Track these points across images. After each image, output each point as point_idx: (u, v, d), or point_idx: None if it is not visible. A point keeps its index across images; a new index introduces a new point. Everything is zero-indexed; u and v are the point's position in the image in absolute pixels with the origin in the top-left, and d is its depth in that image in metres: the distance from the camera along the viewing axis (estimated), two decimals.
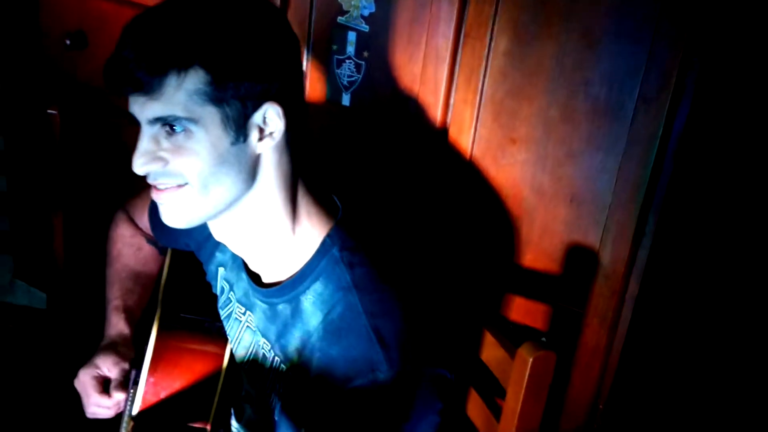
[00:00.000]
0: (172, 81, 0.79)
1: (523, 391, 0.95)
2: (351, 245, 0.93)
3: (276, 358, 0.98)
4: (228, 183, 0.86)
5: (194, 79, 0.80)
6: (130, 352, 1.15)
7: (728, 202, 1.25)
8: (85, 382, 1.10)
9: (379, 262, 0.94)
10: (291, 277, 0.94)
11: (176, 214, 0.88)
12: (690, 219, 1.24)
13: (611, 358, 1.22)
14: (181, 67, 0.79)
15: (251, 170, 0.87)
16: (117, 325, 1.17)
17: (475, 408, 1.12)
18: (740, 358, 1.33)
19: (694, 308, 1.31)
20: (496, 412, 1.05)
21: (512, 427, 0.97)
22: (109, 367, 1.11)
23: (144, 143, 0.84)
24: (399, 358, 0.86)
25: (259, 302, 1.00)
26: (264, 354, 1.00)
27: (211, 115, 0.82)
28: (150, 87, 0.79)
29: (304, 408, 0.93)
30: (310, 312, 0.92)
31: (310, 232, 0.93)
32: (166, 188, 0.86)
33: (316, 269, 0.92)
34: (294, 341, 0.94)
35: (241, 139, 0.84)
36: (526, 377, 0.94)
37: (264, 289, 0.98)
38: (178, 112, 0.80)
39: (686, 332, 1.32)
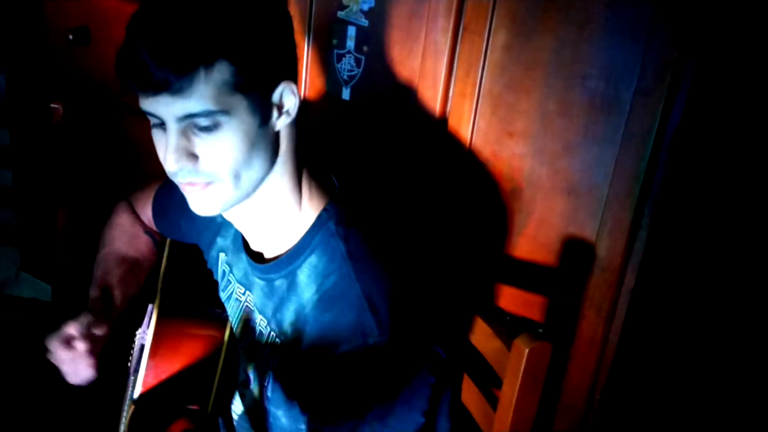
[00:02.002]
0: (200, 77, 0.80)
1: (519, 381, 0.96)
2: (346, 218, 0.96)
3: (272, 333, 1.00)
4: (257, 166, 0.89)
5: (221, 72, 0.81)
6: (93, 309, 1.12)
7: (724, 195, 1.26)
8: (53, 349, 1.06)
9: (374, 235, 0.96)
10: (287, 251, 0.97)
11: (207, 205, 0.90)
12: (686, 212, 1.25)
13: (607, 349, 1.23)
14: (208, 63, 0.80)
15: (274, 149, 0.91)
16: (91, 302, 1.16)
17: (472, 397, 1.13)
18: (736, 350, 1.34)
19: (690, 300, 1.32)
20: (492, 401, 1.06)
21: (508, 416, 0.99)
22: (70, 325, 1.07)
23: (175, 139, 0.84)
24: (390, 324, 0.88)
25: (257, 280, 1.02)
26: (261, 331, 1.02)
27: (240, 103, 0.84)
28: (179, 87, 0.80)
29: (297, 378, 0.94)
30: (305, 285, 0.94)
31: (309, 206, 0.96)
32: (196, 185, 0.88)
33: (312, 242, 0.94)
34: (289, 315, 0.96)
35: (266, 119, 0.88)
36: (522, 368, 0.95)
37: (262, 265, 1.00)
38: (211, 106, 0.82)
39: (682, 324, 1.33)
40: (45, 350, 1.09)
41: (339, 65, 1.37)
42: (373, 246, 0.95)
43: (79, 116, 1.60)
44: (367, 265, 0.92)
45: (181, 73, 0.79)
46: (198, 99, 0.81)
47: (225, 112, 0.83)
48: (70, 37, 1.67)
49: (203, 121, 0.83)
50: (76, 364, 1.07)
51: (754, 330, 1.31)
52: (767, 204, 1.25)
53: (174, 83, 0.79)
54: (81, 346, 1.06)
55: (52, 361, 1.09)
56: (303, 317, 0.94)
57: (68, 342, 1.07)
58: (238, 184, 0.88)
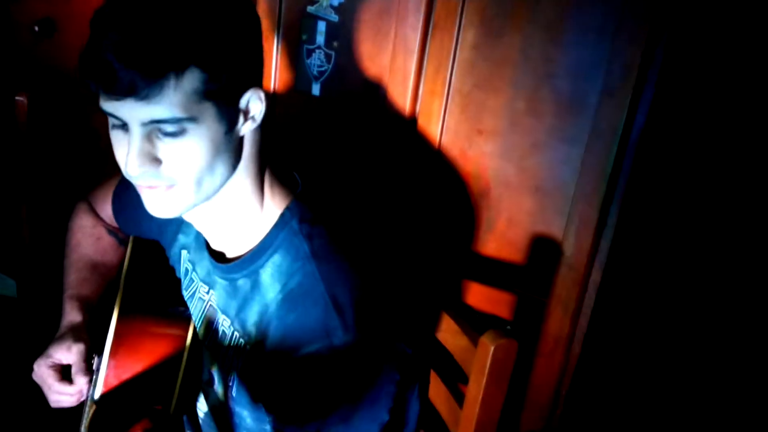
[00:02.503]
0: (170, 84, 0.78)
1: (485, 378, 0.97)
2: (309, 217, 0.95)
3: (235, 333, 0.99)
4: (220, 171, 0.87)
5: (191, 79, 0.79)
6: (84, 336, 1.12)
7: (689, 194, 1.28)
8: (41, 373, 1.08)
9: (338, 233, 0.95)
10: (250, 251, 0.95)
11: (165, 208, 0.88)
12: (651, 210, 1.26)
13: (574, 345, 1.24)
14: (180, 69, 0.78)
15: (237, 154, 0.89)
16: (70, 314, 1.15)
17: (439, 394, 1.13)
18: (701, 346, 1.36)
19: (656, 297, 1.34)
20: (459, 398, 1.06)
21: (474, 413, 0.99)
22: (63, 353, 1.08)
23: (138, 143, 0.82)
24: (355, 324, 0.87)
25: (219, 279, 1.01)
26: (224, 331, 1.01)
27: (208, 110, 0.82)
28: (147, 93, 0.77)
29: (262, 379, 0.93)
30: (269, 284, 0.93)
31: (271, 205, 0.95)
32: (156, 188, 0.86)
33: (275, 242, 0.93)
34: (252, 315, 0.95)
35: (232, 126, 0.86)
36: (488, 364, 0.96)
37: (224, 265, 0.99)
38: (179, 113, 0.80)
39: (647, 321, 1.35)
40: (23, 362, 1.08)
41: (309, 61, 1.36)
42: (338, 244, 0.94)
43: (44, 109, 1.57)
44: (332, 264, 0.91)
45: (150, 78, 0.76)
46: (166, 106, 0.79)
47: (193, 119, 0.81)
48: (36, 28, 1.64)
49: (169, 127, 0.81)
50: (65, 394, 1.07)
51: (719, 325, 1.33)
52: (732, 201, 1.27)
53: (142, 89, 0.76)
54: (80, 380, 1.06)
55: (37, 382, 1.08)
56: (267, 317, 0.93)
57: (58, 368, 1.06)
58: (200, 189, 0.87)
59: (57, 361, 1.08)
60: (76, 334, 1.11)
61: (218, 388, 1.07)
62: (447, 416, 1.11)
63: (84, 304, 1.16)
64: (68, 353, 1.08)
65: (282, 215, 0.94)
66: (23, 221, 1.56)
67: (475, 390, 0.98)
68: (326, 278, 0.90)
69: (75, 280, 1.20)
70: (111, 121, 0.85)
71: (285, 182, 0.98)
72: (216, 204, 0.92)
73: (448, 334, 1.10)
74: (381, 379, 0.91)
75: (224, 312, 1.01)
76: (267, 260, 0.94)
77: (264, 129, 0.93)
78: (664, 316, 1.34)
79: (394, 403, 0.93)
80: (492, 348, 0.95)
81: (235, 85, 0.84)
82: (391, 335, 0.94)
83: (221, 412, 1.07)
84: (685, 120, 1.22)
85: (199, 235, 1.06)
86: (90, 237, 1.26)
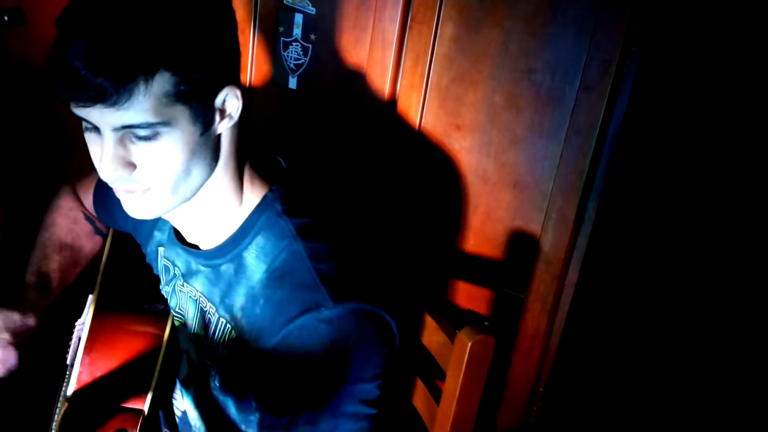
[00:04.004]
0: (140, 89, 0.76)
1: (462, 374, 0.96)
2: (293, 199, 0.94)
3: (221, 320, 0.97)
4: (196, 173, 0.86)
5: (162, 82, 0.77)
6: (30, 303, 1.11)
7: (667, 189, 1.29)
8: None
9: (322, 214, 0.95)
10: (231, 235, 0.94)
11: (143, 211, 0.87)
12: (629, 206, 1.27)
13: (551, 341, 1.24)
14: (149, 73, 0.76)
15: (215, 153, 0.88)
16: (22, 288, 1.14)
17: (416, 390, 1.13)
18: (678, 342, 1.37)
19: (634, 293, 1.34)
20: (436, 395, 1.06)
21: (451, 409, 0.98)
22: None
23: (111, 148, 0.80)
24: (344, 294, 0.87)
25: (201, 267, 0.99)
26: (209, 319, 1.00)
27: (181, 113, 0.80)
28: (116, 98, 0.75)
29: (250, 361, 0.92)
30: (254, 266, 0.93)
31: (251, 196, 0.94)
32: (133, 192, 0.85)
33: (258, 223, 0.93)
34: (239, 299, 0.94)
35: (207, 126, 0.84)
36: (465, 361, 0.95)
37: (206, 251, 0.98)
38: (150, 118, 0.78)
39: (625, 316, 1.36)
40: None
41: (285, 53, 1.34)
42: (323, 224, 0.94)
43: (12, 101, 1.53)
44: (318, 243, 0.91)
45: (119, 84, 0.74)
46: (137, 111, 0.77)
47: (165, 123, 0.79)
48: (5, 18, 1.60)
49: (142, 132, 0.79)
50: None
51: (699, 318, 1.34)
52: (711, 196, 1.28)
53: (111, 95, 0.74)
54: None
55: None
56: (254, 298, 0.92)
57: None
58: (176, 192, 0.86)
59: None
60: (17, 296, 1.10)
61: (200, 379, 1.05)
62: (424, 412, 1.10)
63: (39, 275, 1.14)
64: None
65: (264, 197, 0.94)
66: None
67: (452, 386, 0.98)
68: (312, 255, 0.89)
69: (39, 256, 1.19)
70: (84, 124, 0.83)
71: (268, 168, 0.97)
72: (195, 203, 0.91)
73: (425, 330, 1.09)
74: (370, 349, 0.90)
75: (209, 299, 0.99)
76: (250, 242, 0.93)
77: (242, 124, 0.91)
78: (643, 312, 1.35)
79: (384, 379, 0.92)
80: (469, 344, 0.94)
81: (209, 85, 0.82)
82: (378, 306, 0.92)
83: (202, 403, 1.06)
84: (664, 116, 1.22)
85: (171, 229, 1.04)
86: (66, 218, 1.24)
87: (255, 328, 0.91)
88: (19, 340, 1.06)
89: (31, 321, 1.08)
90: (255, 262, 0.93)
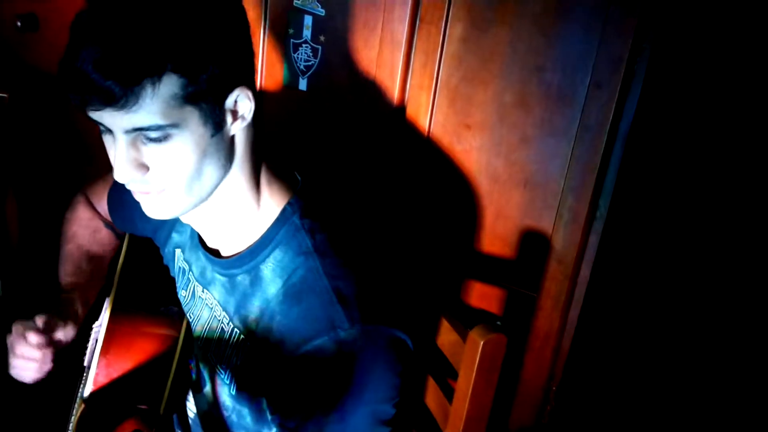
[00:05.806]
0: (147, 91, 0.76)
1: (474, 373, 0.96)
2: (311, 213, 0.94)
3: (235, 329, 0.98)
4: (209, 174, 0.86)
5: (169, 85, 0.77)
6: (73, 316, 1.11)
7: (679, 187, 1.28)
8: (15, 332, 1.04)
9: (339, 229, 0.95)
10: (249, 246, 0.95)
11: (161, 211, 0.88)
12: (641, 203, 1.26)
13: (564, 340, 1.24)
14: (155, 75, 0.76)
15: (229, 154, 0.88)
16: (64, 301, 1.14)
17: (428, 390, 1.13)
18: (691, 341, 1.36)
19: (645, 291, 1.34)
20: (448, 394, 1.06)
21: (463, 409, 0.98)
22: (43, 320, 1.05)
23: (124, 151, 0.82)
24: (360, 316, 0.87)
25: (218, 276, 1.00)
26: (222, 328, 1.00)
27: (191, 115, 0.81)
28: (124, 101, 0.76)
29: (265, 374, 0.92)
30: (270, 279, 0.93)
31: (270, 203, 0.94)
32: (148, 193, 0.86)
33: (276, 237, 0.93)
34: (253, 310, 0.95)
35: (219, 128, 0.85)
36: (477, 360, 0.95)
37: (223, 260, 0.98)
38: (159, 120, 0.79)
39: (638, 315, 1.35)
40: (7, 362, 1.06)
41: (295, 55, 1.35)
42: (340, 239, 0.94)
43: (26, 106, 1.55)
44: (334, 259, 0.91)
45: (126, 87, 0.75)
46: (145, 113, 0.78)
47: (175, 125, 0.80)
48: (18, 23, 1.62)
49: (152, 134, 0.80)
50: (25, 361, 1.04)
51: (710, 318, 1.33)
52: (722, 194, 1.27)
53: (119, 98, 0.75)
54: (33, 339, 1.02)
55: (8, 343, 1.05)
56: (269, 312, 0.92)
57: (25, 335, 1.03)
58: (191, 192, 0.87)
59: (29, 326, 1.03)
60: (56, 309, 1.10)
61: (209, 386, 1.06)
62: (436, 411, 1.10)
63: (81, 293, 1.15)
64: (43, 319, 1.04)
65: (283, 211, 0.94)
66: (9, 220, 1.54)
67: (465, 385, 0.98)
68: (329, 272, 0.89)
69: (71, 268, 1.20)
70: (99, 126, 0.84)
71: (284, 179, 0.97)
72: (212, 204, 0.92)
73: (438, 329, 1.09)
74: (385, 370, 0.90)
75: (224, 308, 1.00)
76: (268, 255, 0.93)
77: (257, 126, 0.91)
78: (655, 310, 1.34)
79: (399, 397, 0.92)
80: (481, 343, 0.94)
81: (218, 86, 0.82)
82: (394, 327, 0.93)
83: (211, 412, 1.06)
84: (674, 113, 1.22)
85: (193, 233, 1.05)
86: (86, 229, 1.26)
87: (270, 343, 0.91)
88: (58, 348, 1.06)
89: (71, 333, 1.09)
90: (271, 275, 0.93)
